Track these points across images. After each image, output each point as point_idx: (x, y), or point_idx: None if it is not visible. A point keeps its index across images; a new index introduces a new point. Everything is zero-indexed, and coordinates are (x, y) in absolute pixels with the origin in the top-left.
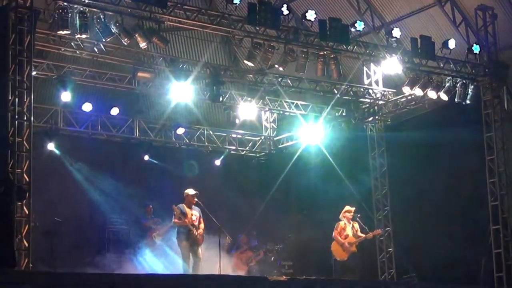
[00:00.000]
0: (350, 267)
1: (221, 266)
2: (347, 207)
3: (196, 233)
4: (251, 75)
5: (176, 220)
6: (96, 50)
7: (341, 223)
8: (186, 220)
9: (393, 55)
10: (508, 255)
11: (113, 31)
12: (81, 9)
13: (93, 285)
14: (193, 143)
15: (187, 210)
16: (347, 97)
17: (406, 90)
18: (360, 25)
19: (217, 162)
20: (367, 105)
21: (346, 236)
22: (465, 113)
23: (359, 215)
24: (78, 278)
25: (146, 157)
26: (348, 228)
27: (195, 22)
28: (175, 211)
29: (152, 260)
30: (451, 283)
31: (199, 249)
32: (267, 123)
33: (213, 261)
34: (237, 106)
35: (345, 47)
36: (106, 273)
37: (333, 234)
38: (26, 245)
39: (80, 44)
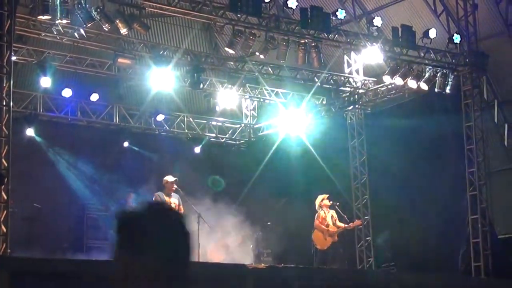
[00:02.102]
0: (330, 256)
1: (200, 254)
2: (322, 195)
3: None
4: (231, 63)
5: None
6: (76, 35)
7: (321, 213)
8: None
9: (374, 44)
10: (486, 245)
11: (94, 16)
12: None
13: (72, 272)
14: (173, 130)
15: (166, 198)
16: (328, 86)
17: (387, 79)
18: (341, 14)
19: (197, 149)
20: (348, 94)
21: (327, 225)
22: (445, 102)
23: (338, 203)
24: (57, 264)
25: (126, 144)
26: (328, 217)
27: (176, 9)
28: (156, 199)
29: None
30: (430, 272)
31: None
32: (247, 110)
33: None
34: (217, 93)
35: (326, 35)
36: (86, 260)
37: (315, 223)
38: (4, 230)
39: (61, 30)
